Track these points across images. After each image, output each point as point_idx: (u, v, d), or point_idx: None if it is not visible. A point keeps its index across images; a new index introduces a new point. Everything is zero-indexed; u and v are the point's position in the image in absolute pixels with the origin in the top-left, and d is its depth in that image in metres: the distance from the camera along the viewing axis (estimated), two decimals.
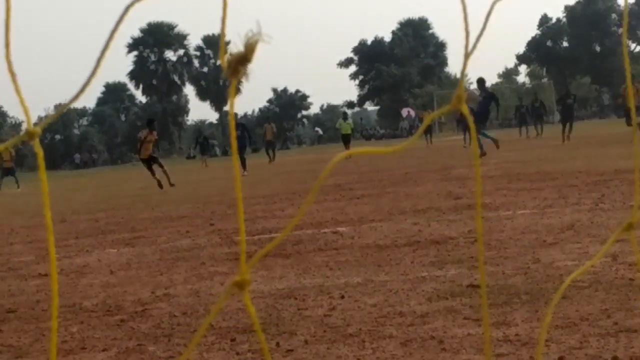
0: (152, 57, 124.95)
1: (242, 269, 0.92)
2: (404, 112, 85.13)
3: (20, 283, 8.85)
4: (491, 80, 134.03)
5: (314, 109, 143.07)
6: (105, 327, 6.21)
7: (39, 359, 5.41)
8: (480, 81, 27.71)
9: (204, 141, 53.57)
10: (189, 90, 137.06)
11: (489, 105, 26.93)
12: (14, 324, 6.66)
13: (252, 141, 38.51)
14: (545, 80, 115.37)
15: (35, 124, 0.96)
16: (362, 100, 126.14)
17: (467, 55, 1.02)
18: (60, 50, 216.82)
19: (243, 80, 0.94)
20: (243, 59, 0.92)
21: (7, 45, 0.92)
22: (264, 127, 47.66)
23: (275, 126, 45.76)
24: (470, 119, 1.12)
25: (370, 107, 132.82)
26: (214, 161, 65.27)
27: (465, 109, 1.06)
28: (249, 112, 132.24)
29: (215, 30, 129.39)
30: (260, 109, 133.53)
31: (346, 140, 44.73)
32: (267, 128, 44.96)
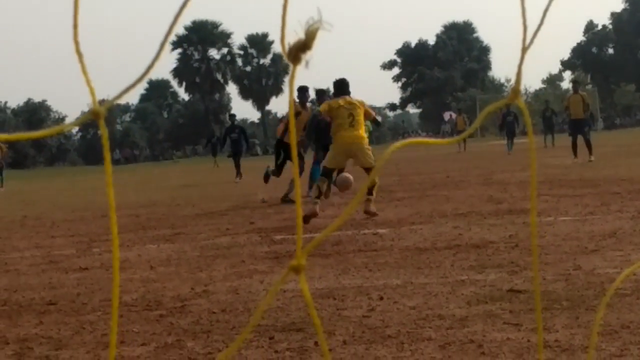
0: (196, 55, 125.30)
1: (298, 253, 0.92)
2: (446, 115, 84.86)
3: (60, 276, 8.91)
4: (535, 85, 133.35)
5: None
6: (144, 321, 6.24)
7: (78, 352, 5.44)
8: None
9: (217, 141, 51.03)
10: (232, 89, 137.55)
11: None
12: (54, 316, 6.70)
13: (249, 146, 37.09)
14: (589, 87, 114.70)
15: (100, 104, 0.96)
16: (404, 102, 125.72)
17: (524, 49, 1.01)
18: (102, 49, 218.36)
19: (302, 67, 0.94)
20: (303, 46, 0.91)
21: (75, 26, 0.92)
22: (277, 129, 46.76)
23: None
24: (527, 113, 1.10)
25: (412, 109, 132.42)
26: (255, 160, 65.39)
27: (522, 103, 1.04)
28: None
29: (259, 29, 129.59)
30: None
31: None
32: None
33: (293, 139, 0.97)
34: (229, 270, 8.45)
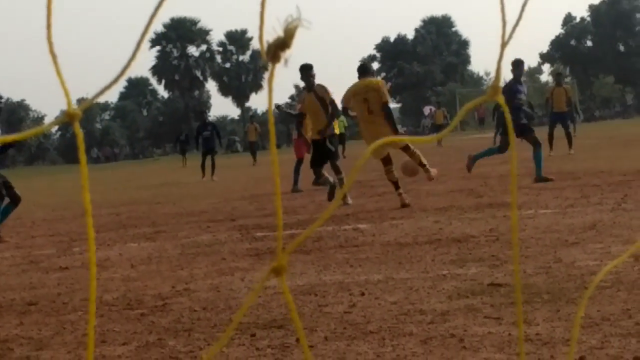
0: (175, 53, 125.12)
1: (279, 255, 0.91)
2: (426, 110, 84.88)
3: (41, 276, 8.88)
4: None
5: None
6: (125, 320, 6.22)
7: (59, 352, 5.42)
8: None
9: (186, 139, 50.09)
10: (211, 86, 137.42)
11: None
12: (34, 316, 6.68)
13: (221, 142, 36.42)
14: (568, 79, 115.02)
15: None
16: None
17: (503, 45, 1.01)
18: (79, 48, 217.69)
19: (282, 66, 0.93)
20: (282, 44, 0.91)
21: (48, 26, 0.91)
22: (247, 127, 45.77)
23: (259, 126, 43.02)
24: (507, 110, 1.09)
25: (392, 104, 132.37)
26: (235, 157, 65.29)
27: (501, 100, 1.04)
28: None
29: (238, 26, 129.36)
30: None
31: (341, 140, 33.02)
32: (250, 128, 42.64)
33: (273, 142, 0.96)
34: (210, 268, 8.44)
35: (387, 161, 13.38)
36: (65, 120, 0.92)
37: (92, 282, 0.92)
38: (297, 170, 19.59)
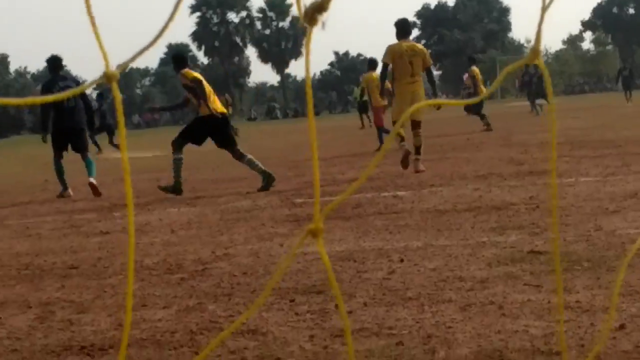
0: (215, 19, 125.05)
1: (316, 216, 0.91)
2: (466, 77, 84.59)
3: (82, 240, 8.96)
4: (555, 47, 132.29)
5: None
6: (165, 285, 6.26)
7: (100, 315, 5.48)
8: None
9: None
10: (251, 52, 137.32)
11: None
12: (75, 280, 6.74)
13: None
14: (610, 47, 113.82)
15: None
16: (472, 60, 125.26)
17: (544, 8, 1.00)
18: (116, 14, 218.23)
19: (319, 29, 0.93)
20: (319, 7, 0.91)
21: None
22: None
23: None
24: (547, 74, 1.09)
25: (471, 68, 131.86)
26: (275, 123, 65.37)
27: (541, 63, 1.03)
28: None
29: None
30: (321, 72, 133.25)
31: (363, 108, 31.00)
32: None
33: (311, 105, 0.96)
34: (250, 234, 8.48)
35: (416, 125, 13.53)
36: (104, 81, 0.92)
37: (131, 239, 0.93)
38: (379, 137, 20.52)
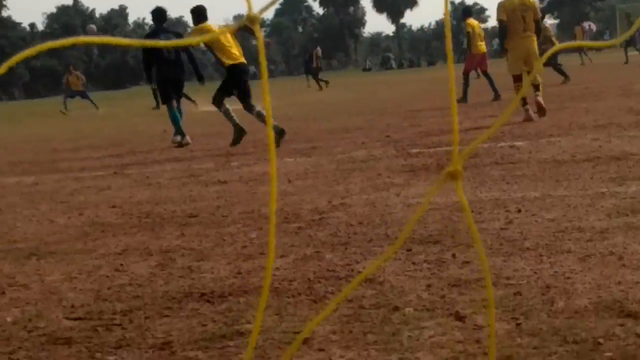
0: None
1: (455, 159, 0.91)
2: (585, 25, 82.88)
3: (201, 189, 9.09)
4: None
5: (491, 22, 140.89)
6: (283, 233, 6.32)
7: (219, 263, 5.56)
8: None
9: (309, 59, 48.10)
10: (366, 2, 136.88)
11: None
12: (195, 228, 6.85)
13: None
14: None
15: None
16: (542, 13, 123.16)
17: None
18: None
19: None
20: None
21: None
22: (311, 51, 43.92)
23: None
24: None
25: (549, 20, 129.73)
26: (390, 73, 65.11)
27: None
28: (426, 25, 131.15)
29: None
30: (437, 22, 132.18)
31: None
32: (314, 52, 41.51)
33: (450, 49, 0.96)
34: (366, 184, 8.49)
35: (518, 78, 13.87)
36: (247, 23, 0.93)
37: (273, 185, 0.94)
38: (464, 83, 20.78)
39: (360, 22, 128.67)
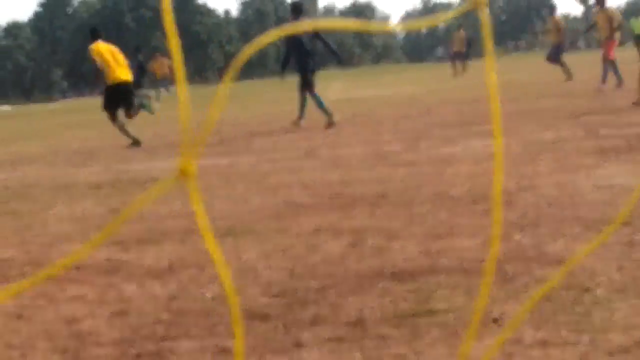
0: None
1: None
2: None
3: (389, 170, 9.19)
4: None
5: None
6: (471, 214, 6.37)
7: (409, 242, 5.65)
8: None
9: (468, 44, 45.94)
10: None
11: None
12: (385, 208, 6.96)
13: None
14: None
15: None
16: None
17: None
18: None
19: None
20: None
21: None
22: (453, 36, 42.06)
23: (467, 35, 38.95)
24: None
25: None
26: (578, 54, 63.53)
27: None
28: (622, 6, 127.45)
29: None
30: (627, 2, 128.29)
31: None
32: (456, 36, 40.24)
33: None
34: (554, 165, 8.43)
35: None
36: (471, 7, 0.98)
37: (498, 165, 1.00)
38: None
39: (546, 4, 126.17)
